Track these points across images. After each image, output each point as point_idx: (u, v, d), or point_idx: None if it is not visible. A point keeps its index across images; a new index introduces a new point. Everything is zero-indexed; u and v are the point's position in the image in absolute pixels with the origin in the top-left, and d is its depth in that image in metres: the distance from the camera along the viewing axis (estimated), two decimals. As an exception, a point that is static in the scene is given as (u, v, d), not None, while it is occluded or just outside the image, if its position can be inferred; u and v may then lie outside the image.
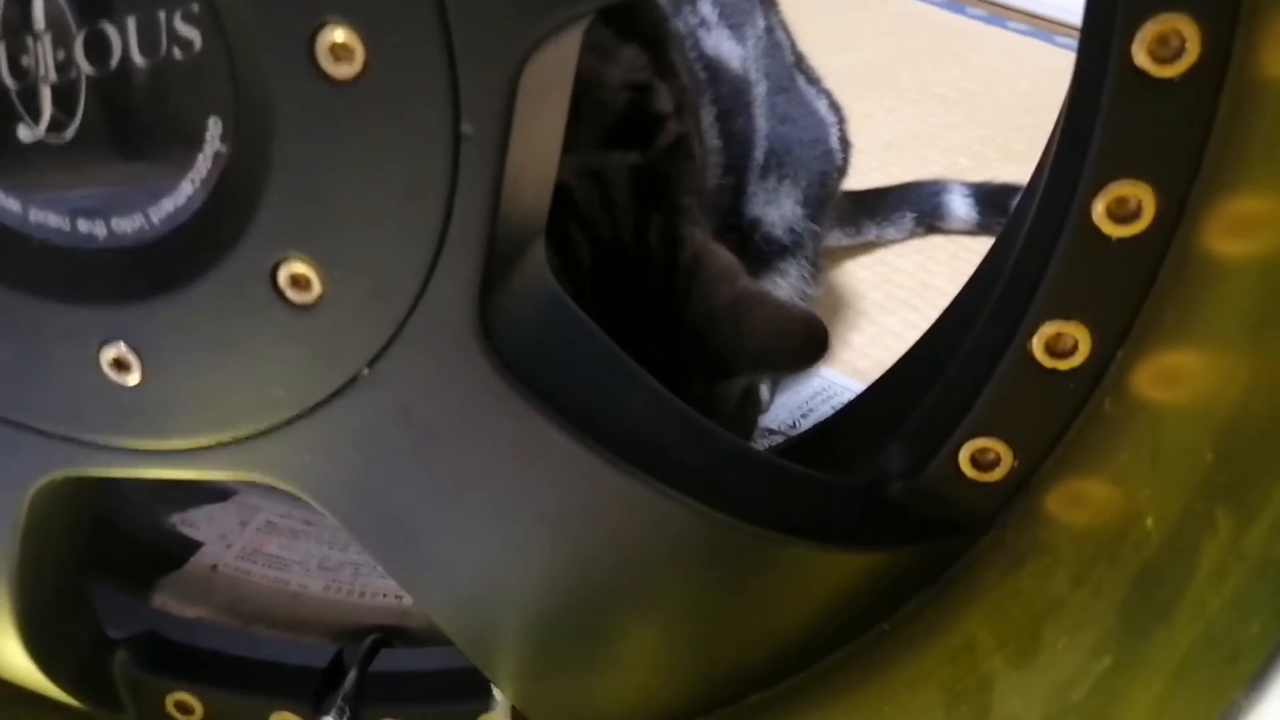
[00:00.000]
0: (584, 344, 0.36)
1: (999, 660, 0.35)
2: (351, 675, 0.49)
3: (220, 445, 0.36)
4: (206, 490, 0.59)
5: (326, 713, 0.48)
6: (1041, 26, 1.26)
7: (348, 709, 0.48)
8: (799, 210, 0.75)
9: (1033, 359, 0.35)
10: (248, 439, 0.36)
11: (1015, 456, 0.37)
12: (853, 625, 0.38)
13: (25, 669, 0.45)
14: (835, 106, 0.79)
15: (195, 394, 0.36)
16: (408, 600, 0.54)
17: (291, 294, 0.33)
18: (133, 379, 0.36)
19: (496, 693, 0.45)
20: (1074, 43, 0.33)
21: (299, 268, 0.33)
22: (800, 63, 0.79)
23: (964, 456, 0.37)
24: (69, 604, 0.45)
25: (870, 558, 0.37)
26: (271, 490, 0.60)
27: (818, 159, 0.77)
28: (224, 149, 0.32)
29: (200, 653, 0.49)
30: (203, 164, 0.33)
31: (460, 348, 0.33)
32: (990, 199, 0.95)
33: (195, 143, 0.33)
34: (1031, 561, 0.36)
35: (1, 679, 0.48)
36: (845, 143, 0.79)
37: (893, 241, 0.94)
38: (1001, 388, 0.36)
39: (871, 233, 0.94)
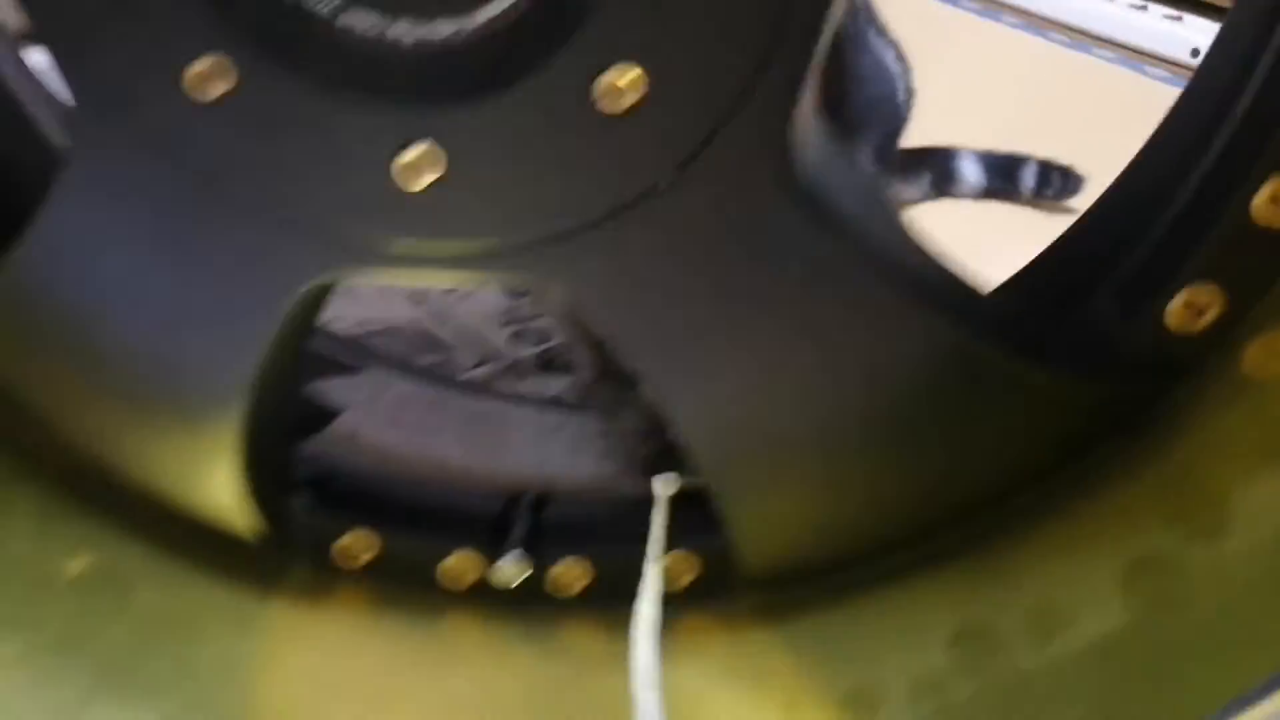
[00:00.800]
0: (857, 178, 0.38)
1: (1231, 473, 0.39)
2: (526, 518, 0.50)
3: (506, 251, 0.38)
4: (337, 364, 0.60)
5: (505, 554, 0.49)
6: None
7: (526, 550, 0.49)
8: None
9: (1254, 213, 0.39)
10: (534, 245, 0.38)
11: (1225, 305, 0.40)
12: (1061, 457, 0.41)
13: (221, 493, 0.46)
14: (901, 57, 0.83)
15: (489, 198, 0.37)
16: (550, 468, 0.55)
17: (607, 102, 0.35)
18: (425, 181, 0.37)
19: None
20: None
21: (619, 75, 0.35)
22: (871, 13, 0.82)
23: (1176, 304, 0.40)
24: (279, 430, 0.46)
25: (1087, 389, 0.40)
26: (398, 366, 0.61)
27: (889, 116, 0.80)
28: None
29: (379, 493, 0.50)
30: (532, -32, 0.34)
31: (765, 165, 0.36)
32: (997, 166, 1.00)
33: (530, -55, 0.34)
34: (1248, 397, 0.39)
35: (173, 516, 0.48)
36: (909, 92, 0.82)
37: (909, 202, 0.98)
38: (1218, 239, 0.39)
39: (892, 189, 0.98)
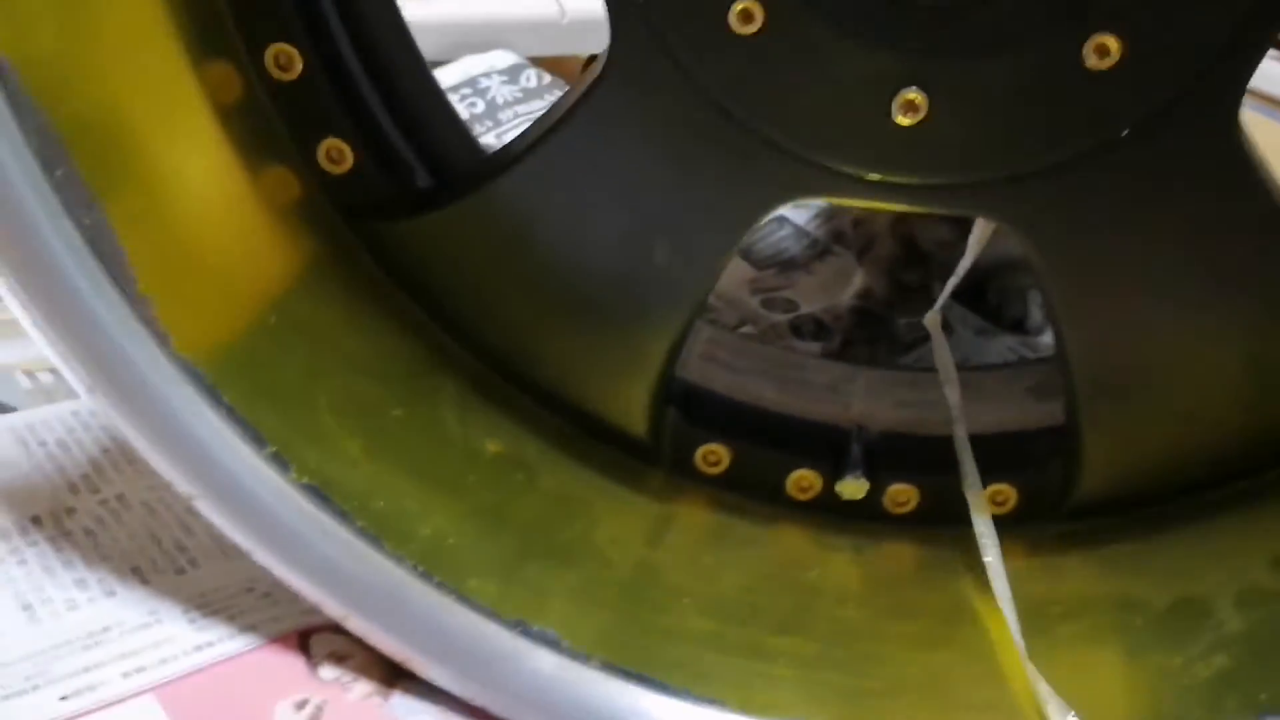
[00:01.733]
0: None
1: None
2: (858, 444, 0.57)
3: (967, 187, 0.45)
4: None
5: (843, 475, 0.56)
6: None
7: (865, 474, 0.56)
8: None
9: None
10: (994, 183, 0.45)
11: None
12: None
13: (633, 401, 0.52)
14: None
15: (964, 139, 0.44)
16: (854, 411, 0.62)
17: (1091, 61, 0.42)
18: (914, 120, 0.44)
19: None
20: None
21: (1106, 40, 0.42)
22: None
23: None
24: (684, 345, 0.52)
25: None
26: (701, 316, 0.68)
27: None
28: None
29: (735, 407, 0.57)
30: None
31: (1215, 124, 0.43)
32: None
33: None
34: None
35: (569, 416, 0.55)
36: None
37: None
38: None
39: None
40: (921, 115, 0.43)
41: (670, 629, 0.50)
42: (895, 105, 0.43)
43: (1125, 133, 0.43)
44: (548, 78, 0.94)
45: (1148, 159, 0.43)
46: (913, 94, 0.43)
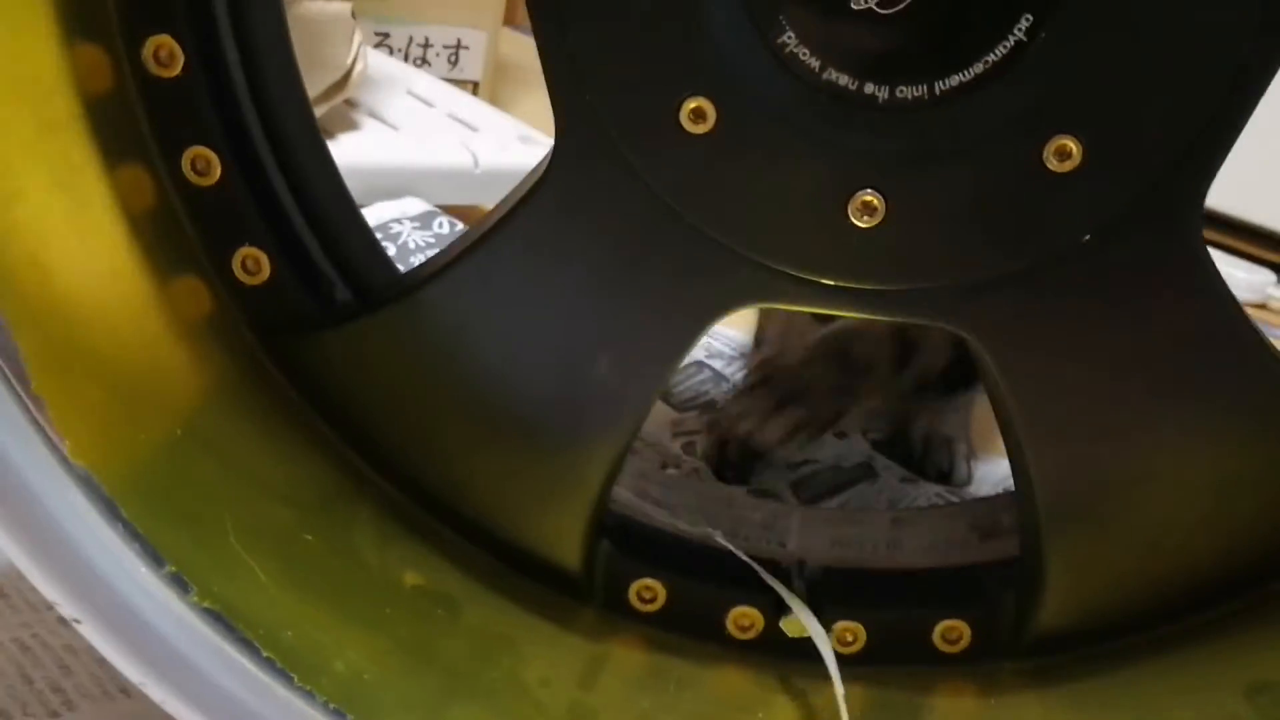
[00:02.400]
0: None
1: None
2: (799, 580, 0.54)
3: (924, 293, 0.43)
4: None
5: (787, 612, 0.53)
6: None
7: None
8: None
9: None
10: (951, 289, 0.43)
11: None
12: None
13: (564, 530, 0.49)
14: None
15: (923, 245, 0.43)
16: (791, 546, 0.59)
17: (1052, 164, 0.41)
18: (871, 224, 0.43)
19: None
20: None
21: (1066, 142, 0.41)
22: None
23: None
24: (618, 471, 0.49)
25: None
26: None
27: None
28: (1025, 40, 0.41)
29: (671, 540, 0.53)
30: (1002, 49, 0.41)
31: (1174, 229, 0.42)
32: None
33: (1004, 30, 0.41)
34: None
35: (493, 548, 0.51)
36: None
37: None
38: None
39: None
40: (879, 218, 0.42)
41: (605, 778, 0.45)
42: (852, 207, 0.42)
43: (1086, 238, 0.41)
44: (460, 225, 0.92)
45: (1108, 265, 0.42)
46: (870, 196, 0.41)
